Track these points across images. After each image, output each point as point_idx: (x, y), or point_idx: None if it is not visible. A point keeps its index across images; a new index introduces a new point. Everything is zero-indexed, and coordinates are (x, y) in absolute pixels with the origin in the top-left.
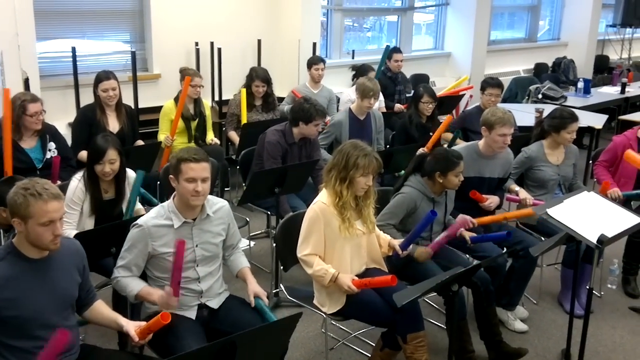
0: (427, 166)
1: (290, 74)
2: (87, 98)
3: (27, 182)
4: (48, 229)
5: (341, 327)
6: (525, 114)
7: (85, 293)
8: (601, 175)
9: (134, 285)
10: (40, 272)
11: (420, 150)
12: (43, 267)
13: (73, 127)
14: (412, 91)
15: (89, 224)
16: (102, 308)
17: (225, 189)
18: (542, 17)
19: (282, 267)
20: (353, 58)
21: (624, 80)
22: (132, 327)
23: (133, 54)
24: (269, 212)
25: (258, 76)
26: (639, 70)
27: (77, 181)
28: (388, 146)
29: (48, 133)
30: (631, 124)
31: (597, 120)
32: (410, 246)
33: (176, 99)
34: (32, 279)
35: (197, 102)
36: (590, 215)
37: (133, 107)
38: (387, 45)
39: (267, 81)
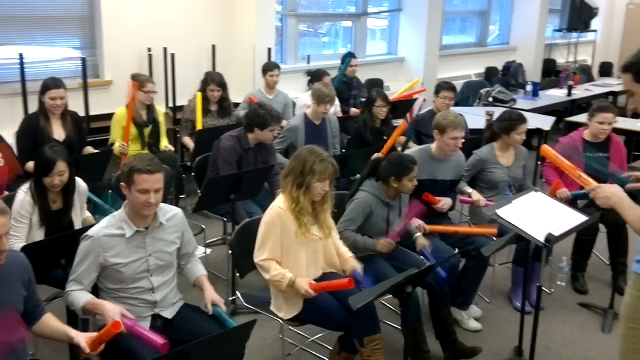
0: (382, 171)
1: (245, 79)
2: (35, 106)
3: None
4: None
5: (299, 332)
6: (476, 117)
7: (32, 307)
8: (549, 175)
9: (81, 298)
10: None
11: (375, 155)
12: None
13: (17, 137)
14: (367, 96)
15: (39, 235)
16: (51, 321)
17: (180, 196)
18: (492, 22)
19: (238, 274)
20: (308, 63)
21: (570, 83)
22: (82, 338)
23: (83, 60)
24: (225, 219)
25: (213, 80)
26: (585, 73)
27: (23, 193)
28: (344, 150)
29: None
30: (577, 125)
31: (545, 122)
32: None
33: (128, 106)
34: None
35: (150, 108)
36: (538, 214)
37: (84, 114)
38: (347, 52)
39: (222, 85)
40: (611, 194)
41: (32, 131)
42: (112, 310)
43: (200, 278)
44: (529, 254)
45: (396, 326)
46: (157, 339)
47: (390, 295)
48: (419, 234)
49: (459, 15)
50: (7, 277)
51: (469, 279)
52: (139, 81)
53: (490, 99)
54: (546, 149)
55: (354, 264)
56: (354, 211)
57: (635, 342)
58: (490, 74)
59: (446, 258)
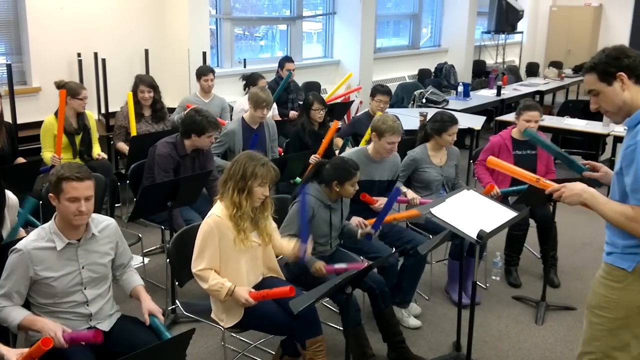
0: (325, 175)
1: (180, 84)
2: None
3: None
4: None
5: (241, 338)
6: (410, 118)
7: None
8: (481, 173)
9: (15, 315)
10: None
11: (313, 158)
12: None
13: None
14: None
15: None
16: None
17: (116, 205)
18: (424, 25)
19: (177, 283)
20: (245, 67)
21: (500, 83)
22: (13, 355)
23: (9, 66)
24: (162, 227)
25: (143, 81)
26: (513, 74)
27: None
28: (282, 154)
29: None
30: (506, 124)
31: (476, 122)
32: (307, 257)
33: (57, 114)
34: None
35: (81, 115)
36: (471, 212)
37: (11, 122)
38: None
39: (153, 87)
40: (580, 190)
41: None
42: (51, 327)
43: (137, 288)
44: (464, 250)
45: (338, 327)
46: (89, 333)
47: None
48: (360, 230)
49: (392, 18)
50: None
51: (407, 277)
52: (71, 90)
53: (424, 101)
54: (493, 160)
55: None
56: (294, 215)
57: (601, 330)
58: (423, 76)
59: (384, 257)
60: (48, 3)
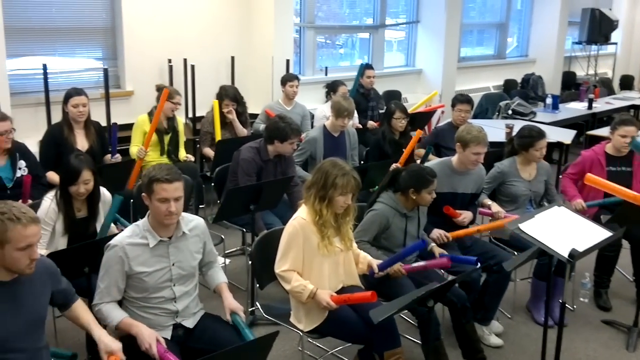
0: (401, 182)
1: (263, 91)
2: (58, 116)
3: (2, 205)
4: (25, 253)
5: (318, 344)
6: (495, 130)
7: (63, 298)
8: (567, 187)
9: (115, 315)
10: (9, 295)
11: (394, 166)
12: (12, 290)
13: (40, 147)
14: (385, 107)
15: (62, 243)
16: (79, 312)
17: (200, 206)
18: (510, 34)
19: (257, 285)
20: (326, 75)
21: (591, 96)
22: (103, 348)
23: (105, 71)
24: (244, 230)
25: (227, 95)
26: (605, 86)
27: (49, 201)
28: (362, 162)
29: (18, 151)
30: (599, 139)
31: (566, 136)
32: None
33: (150, 113)
34: (1, 302)
35: (171, 117)
36: (562, 229)
37: (105, 124)
38: (361, 63)
39: (237, 100)
40: None
41: (55, 142)
42: (148, 335)
43: (221, 286)
44: (552, 269)
45: (417, 341)
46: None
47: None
48: (432, 244)
49: (477, 27)
50: (32, 284)
51: (490, 293)
52: (169, 92)
53: (510, 112)
54: (592, 177)
55: (374, 263)
56: (369, 223)
57: None
58: (509, 87)
59: (467, 272)
60: (143, 11)
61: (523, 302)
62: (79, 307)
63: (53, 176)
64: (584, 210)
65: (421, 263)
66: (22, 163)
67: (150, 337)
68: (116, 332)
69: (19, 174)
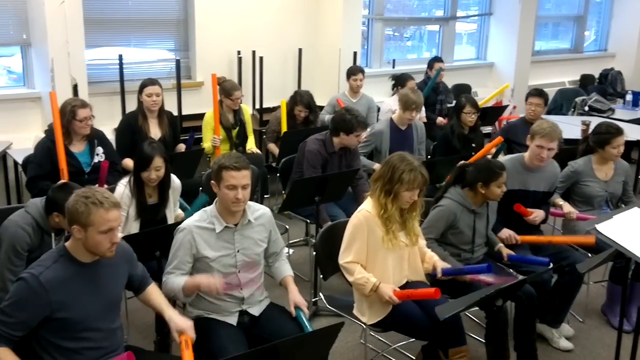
0: (469, 177)
1: (330, 83)
2: (132, 105)
3: (86, 190)
4: (107, 236)
5: (380, 338)
6: (570, 126)
7: (138, 282)
8: None
9: (179, 281)
10: (90, 276)
11: (462, 162)
12: (93, 272)
13: (117, 134)
14: (454, 101)
15: (135, 227)
16: (152, 294)
17: (265, 196)
18: (588, 27)
19: (321, 276)
20: (394, 67)
21: None
22: (175, 327)
23: (177, 62)
24: (307, 221)
25: (302, 101)
26: None
27: (123, 187)
28: (429, 157)
29: (96, 138)
30: None
31: None
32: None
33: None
34: (83, 282)
35: (237, 110)
36: None
37: (176, 113)
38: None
39: (310, 107)
40: None
41: (131, 130)
42: (212, 280)
43: (287, 279)
44: (629, 272)
45: (480, 339)
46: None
47: (476, 308)
48: (500, 245)
49: (553, 20)
50: (111, 267)
51: (561, 295)
52: (225, 90)
53: (587, 108)
54: None
55: (439, 265)
56: (436, 219)
57: None
58: (586, 82)
59: (538, 272)
60: (214, 3)
61: (596, 306)
62: (153, 290)
63: (128, 163)
64: None
65: (489, 278)
66: (99, 149)
67: (214, 280)
68: (186, 298)
69: (96, 159)
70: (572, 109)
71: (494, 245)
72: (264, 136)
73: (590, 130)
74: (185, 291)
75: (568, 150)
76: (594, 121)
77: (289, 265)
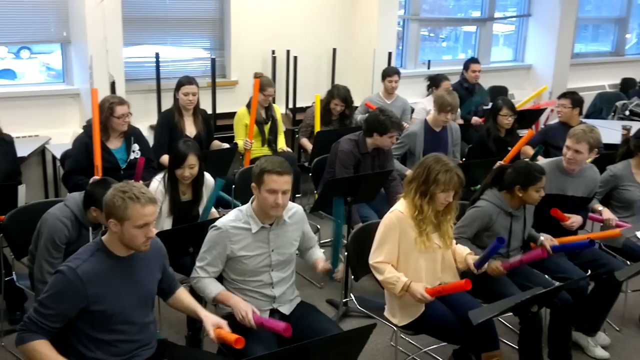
0: (507, 179)
1: (364, 83)
2: (168, 102)
3: (123, 185)
4: (142, 231)
5: (411, 341)
6: (610, 131)
7: (167, 285)
8: None
9: (213, 288)
10: (126, 270)
11: (499, 163)
12: (128, 265)
13: (156, 130)
14: (490, 103)
15: (167, 223)
16: (183, 296)
17: (297, 195)
18: (630, 29)
19: (352, 277)
20: (429, 68)
21: None
22: (210, 324)
23: (213, 60)
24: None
25: (339, 95)
26: None
27: (157, 183)
28: (464, 159)
29: (132, 135)
30: None
31: None
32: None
33: (248, 105)
34: (119, 276)
35: (268, 107)
36: None
37: (211, 112)
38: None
39: (346, 101)
40: None
41: (169, 126)
42: (243, 307)
43: (318, 260)
44: None
45: (513, 345)
46: (280, 325)
47: (510, 313)
48: (543, 238)
49: (593, 22)
50: (146, 262)
51: (598, 303)
52: (260, 84)
53: (627, 113)
54: None
55: (471, 262)
56: (471, 219)
57: None
58: (627, 86)
59: (575, 279)
60: (249, 2)
61: (633, 315)
62: (183, 293)
63: (166, 159)
64: None
65: (517, 258)
66: (135, 146)
67: (247, 308)
68: (212, 303)
69: (132, 156)
70: (612, 113)
71: (536, 241)
72: (298, 132)
73: (631, 134)
74: (215, 301)
75: (608, 156)
76: (635, 126)
77: (320, 251)
